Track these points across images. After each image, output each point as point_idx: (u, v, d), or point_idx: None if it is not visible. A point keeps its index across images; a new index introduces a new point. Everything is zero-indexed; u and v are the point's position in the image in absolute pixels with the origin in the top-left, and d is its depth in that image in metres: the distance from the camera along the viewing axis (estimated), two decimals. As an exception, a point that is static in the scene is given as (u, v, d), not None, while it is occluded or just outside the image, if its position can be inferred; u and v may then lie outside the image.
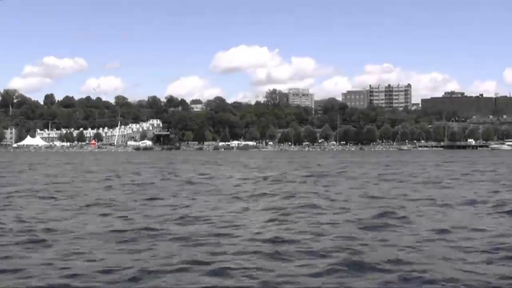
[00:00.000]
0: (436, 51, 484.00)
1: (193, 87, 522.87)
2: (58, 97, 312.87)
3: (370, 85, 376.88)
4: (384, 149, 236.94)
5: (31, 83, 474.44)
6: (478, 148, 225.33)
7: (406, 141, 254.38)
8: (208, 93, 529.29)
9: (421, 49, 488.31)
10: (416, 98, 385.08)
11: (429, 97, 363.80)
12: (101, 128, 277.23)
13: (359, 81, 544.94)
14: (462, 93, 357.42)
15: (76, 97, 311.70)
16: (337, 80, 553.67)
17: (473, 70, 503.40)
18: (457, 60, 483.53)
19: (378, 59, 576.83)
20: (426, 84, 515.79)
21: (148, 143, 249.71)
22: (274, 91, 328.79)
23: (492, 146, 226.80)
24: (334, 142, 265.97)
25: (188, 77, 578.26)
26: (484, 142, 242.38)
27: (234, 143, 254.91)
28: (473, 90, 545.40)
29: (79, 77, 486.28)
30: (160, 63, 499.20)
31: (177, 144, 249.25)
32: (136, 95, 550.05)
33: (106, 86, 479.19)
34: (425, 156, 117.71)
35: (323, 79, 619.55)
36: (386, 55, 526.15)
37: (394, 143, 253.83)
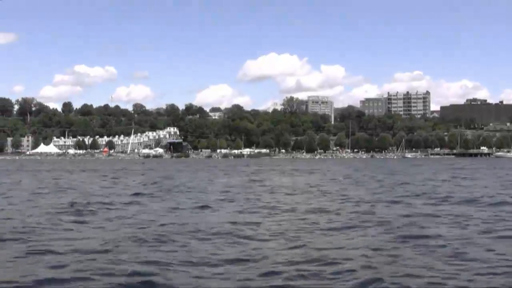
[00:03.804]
0: (467, 59, 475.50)
1: (222, 96, 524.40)
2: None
3: (388, 93, 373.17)
4: (395, 156, 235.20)
5: (61, 91, 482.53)
6: (488, 156, 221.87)
7: (415, 149, 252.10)
8: (237, 102, 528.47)
9: (451, 57, 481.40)
10: (439, 105, 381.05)
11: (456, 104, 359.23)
12: (116, 136, 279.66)
13: (388, 89, 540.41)
14: (485, 100, 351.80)
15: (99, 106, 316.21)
16: (366, 88, 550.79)
17: (503, 78, 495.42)
18: (488, 68, 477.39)
19: (408, 67, 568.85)
20: (456, 91, 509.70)
21: (160, 150, 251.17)
22: (291, 98, 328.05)
23: (496, 154, 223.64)
24: (348, 150, 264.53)
25: (218, 86, 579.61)
26: (498, 149, 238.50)
27: (246, 151, 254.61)
28: (503, 97, 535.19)
29: (109, 85, 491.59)
30: (189, 71, 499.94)
31: (187, 152, 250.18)
32: (163, 104, 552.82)
33: (135, 95, 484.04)
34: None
35: (353, 87, 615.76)
36: (416, 63, 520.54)
37: (399, 150, 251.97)
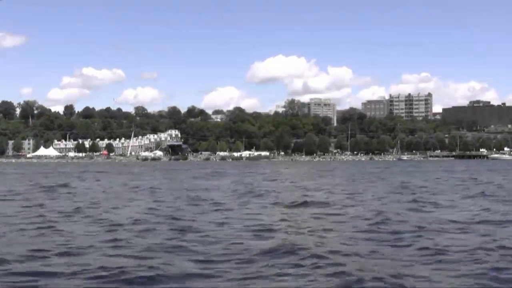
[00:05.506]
0: (475, 61, 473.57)
1: (230, 98, 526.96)
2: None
3: (390, 95, 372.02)
4: (394, 158, 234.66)
5: (69, 94, 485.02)
6: (486, 158, 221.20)
7: (415, 151, 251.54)
8: (244, 104, 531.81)
9: (459, 58, 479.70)
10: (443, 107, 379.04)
11: (458, 106, 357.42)
12: (117, 139, 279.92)
13: (396, 91, 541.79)
14: (488, 102, 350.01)
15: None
16: (374, 89, 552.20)
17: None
18: (496, 69, 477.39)
19: (415, 69, 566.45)
20: (464, 93, 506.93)
21: (159, 153, 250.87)
22: (292, 101, 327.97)
23: (491, 156, 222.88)
24: (348, 152, 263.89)
25: (225, 88, 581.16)
26: (496, 151, 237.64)
27: (245, 153, 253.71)
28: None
29: (117, 88, 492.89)
30: (197, 73, 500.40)
31: (186, 155, 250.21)
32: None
33: (143, 97, 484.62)
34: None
35: (360, 89, 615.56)
36: (424, 65, 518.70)
37: (395, 153, 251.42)
